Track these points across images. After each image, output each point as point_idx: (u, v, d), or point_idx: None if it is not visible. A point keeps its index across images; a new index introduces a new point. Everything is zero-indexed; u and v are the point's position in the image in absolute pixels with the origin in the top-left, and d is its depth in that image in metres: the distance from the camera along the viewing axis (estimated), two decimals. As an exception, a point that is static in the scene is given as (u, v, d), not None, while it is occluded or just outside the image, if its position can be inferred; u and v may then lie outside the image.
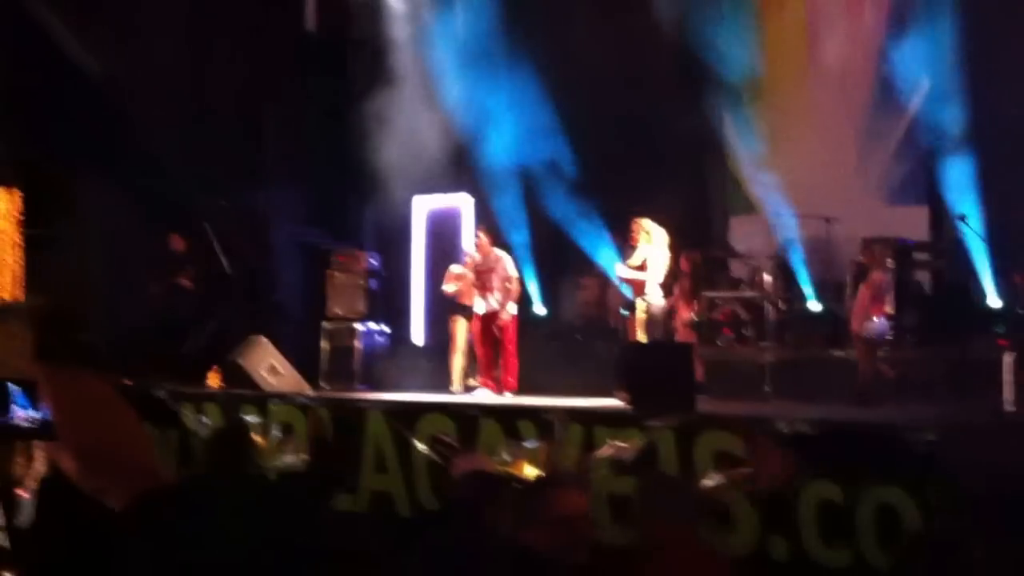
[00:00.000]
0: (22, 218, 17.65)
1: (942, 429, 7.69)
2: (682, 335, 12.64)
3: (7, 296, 18.29)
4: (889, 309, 11.43)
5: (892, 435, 7.89)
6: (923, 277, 13.38)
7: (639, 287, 11.73)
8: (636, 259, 12.00)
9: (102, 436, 1.79)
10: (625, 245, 12.61)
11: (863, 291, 11.57)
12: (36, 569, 6.73)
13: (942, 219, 13.56)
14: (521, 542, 3.97)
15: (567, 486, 4.26)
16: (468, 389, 12.63)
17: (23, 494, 12.57)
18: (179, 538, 1.72)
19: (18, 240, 18.30)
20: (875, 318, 11.26)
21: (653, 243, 11.83)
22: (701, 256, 13.28)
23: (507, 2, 15.35)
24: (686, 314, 12.72)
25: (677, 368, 9.84)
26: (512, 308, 12.41)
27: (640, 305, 11.81)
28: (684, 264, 12.85)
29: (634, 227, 12.02)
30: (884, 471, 7.51)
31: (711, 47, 15.48)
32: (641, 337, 11.66)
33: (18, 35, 16.15)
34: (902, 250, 12.41)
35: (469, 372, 12.79)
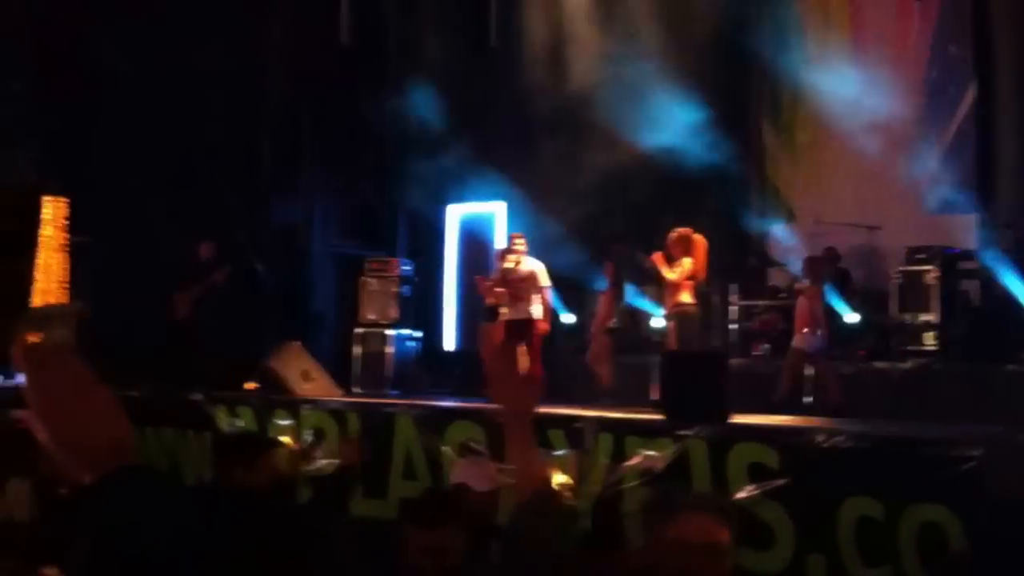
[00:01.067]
0: (67, 224, 17.59)
1: (990, 446, 7.18)
2: (598, 342, 12.59)
3: (52, 299, 18.24)
4: (821, 323, 11.40)
5: (936, 451, 7.38)
6: (971, 287, 12.82)
7: (675, 296, 11.30)
8: (673, 267, 11.56)
9: (72, 411, 1.75)
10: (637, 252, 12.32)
11: (801, 303, 11.40)
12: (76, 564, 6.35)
13: (992, 227, 13.10)
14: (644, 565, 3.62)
15: (705, 511, 3.82)
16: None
17: (64, 492, 12.43)
18: (131, 519, 1.69)
19: (63, 246, 18.26)
20: (808, 331, 11.17)
21: (689, 251, 11.40)
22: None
23: (535, 7, 15.15)
24: (607, 320, 12.45)
25: (710, 378, 9.37)
26: (540, 316, 11.96)
27: (675, 314, 11.38)
28: (608, 271, 12.71)
29: (671, 235, 11.59)
30: (927, 488, 7.02)
31: (755, 54, 15.23)
32: (674, 346, 11.21)
33: (64, 47, 16.12)
34: (947, 259, 11.90)
35: None
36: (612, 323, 12.69)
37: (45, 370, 1.75)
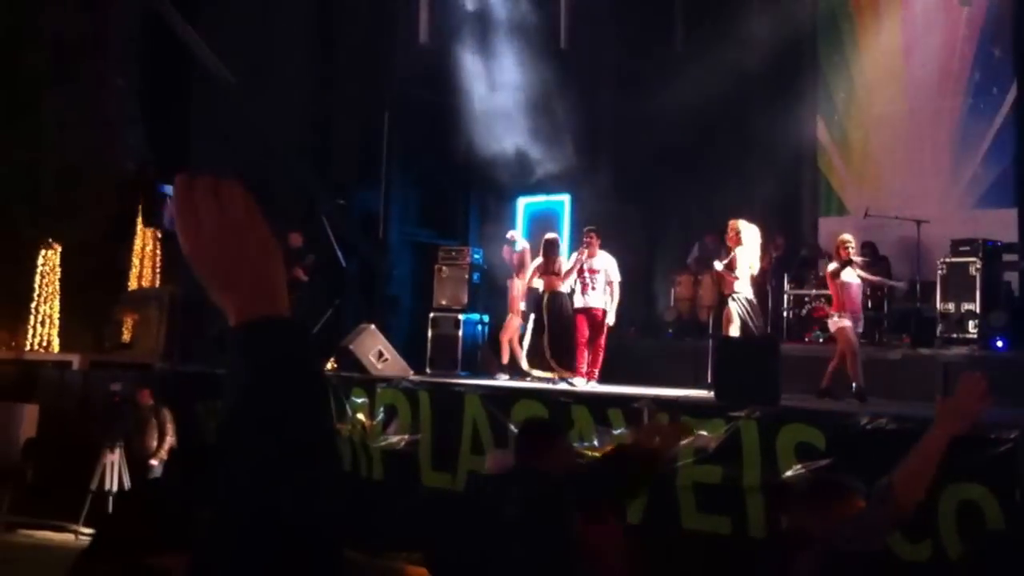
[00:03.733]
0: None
1: (1027, 429, 7.15)
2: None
3: (147, 283, 18.60)
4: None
5: (975, 433, 7.35)
6: (1011, 278, 12.71)
7: (729, 285, 11.34)
8: (729, 258, 11.58)
9: (225, 250, 1.54)
10: (721, 244, 12.28)
11: (832, 288, 11.02)
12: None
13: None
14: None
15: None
16: (526, 375, 12.34)
17: (154, 463, 12.74)
18: (264, 373, 1.49)
19: (158, 233, 18.59)
20: (839, 315, 10.77)
21: (744, 242, 11.41)
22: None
23: (604, 9, 15.16)
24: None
25: (763, 363, 9.39)
26: (610, 307, 12.03)
27: (731, 301, 11.39)
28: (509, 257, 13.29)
29: (728, 227, 11.61)
30: (966, 468, 7.01)
31: (812, 53, 15.19)
32: (731, 332, 11.23)
33: (163, 47, 16.40)
34: (990, 251, 11.80)
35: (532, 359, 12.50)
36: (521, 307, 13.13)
37: (201, 207, 1.55)
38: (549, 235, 13.11)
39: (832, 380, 10.59)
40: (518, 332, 13.13)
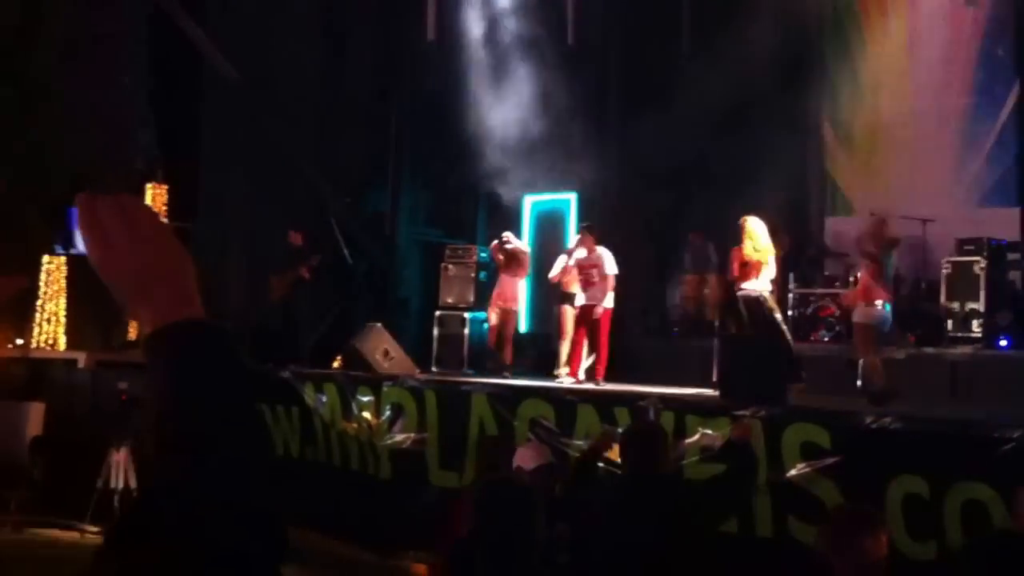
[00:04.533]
0: (167, 211, 17.94)
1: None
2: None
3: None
4: (885, 296, 10.51)
5: (980, 432, 7.41)
6: (1016, 277, 12.75)
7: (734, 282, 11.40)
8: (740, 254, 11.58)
9: (133, 259, 1.57)
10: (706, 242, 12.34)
11: (863, 278, 10.73)
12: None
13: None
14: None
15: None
16: (554, 377, 12.39)
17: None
18: (187, 375, 1.54)
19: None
20: (875, 304, 10.41)
21: (754, 239, 11.40)
22: None
23: (612, 8, 15.19)
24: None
25: (768, 362, 9.43)
26: (609, 302, 12.10)
27: (740, 297, 11.41)
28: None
29: (740, 224, 11.61)
30: (971, 467, 7.05)
31: (817, 54, 15.22)
32: (739, 329, 11.26)
33: (164, 42, 16.43)
34: (994, 250, 11.85)
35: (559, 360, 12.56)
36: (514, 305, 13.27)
37: (107, 224, 1.57)
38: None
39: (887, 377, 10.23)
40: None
